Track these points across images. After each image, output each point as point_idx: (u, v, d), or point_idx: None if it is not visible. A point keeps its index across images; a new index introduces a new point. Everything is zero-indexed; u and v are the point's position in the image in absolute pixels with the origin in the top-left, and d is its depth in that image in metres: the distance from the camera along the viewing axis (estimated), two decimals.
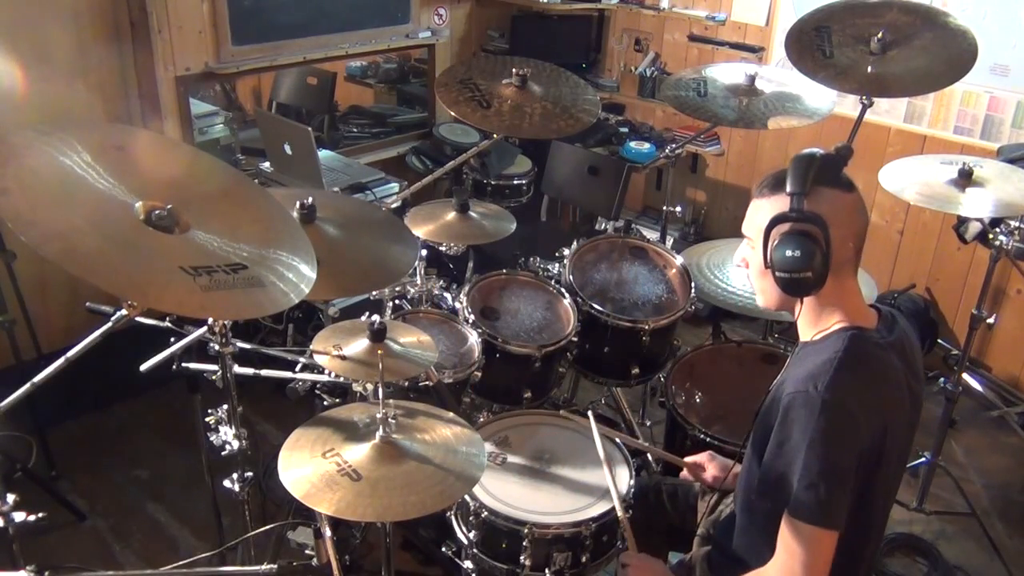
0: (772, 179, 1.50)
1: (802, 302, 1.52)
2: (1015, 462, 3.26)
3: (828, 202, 1.44)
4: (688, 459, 2.00)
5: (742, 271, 1.63)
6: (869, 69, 2.40)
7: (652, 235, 3.14)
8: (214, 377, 1.84)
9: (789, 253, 1.43)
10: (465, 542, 1.92)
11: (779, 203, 1.46)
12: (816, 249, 1.41)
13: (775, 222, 1.45)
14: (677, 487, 2.00)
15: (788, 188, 1.44)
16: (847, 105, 3.12)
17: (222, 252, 1.45)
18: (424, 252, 2.47)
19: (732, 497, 1.80)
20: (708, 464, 1.97)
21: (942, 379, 2.77)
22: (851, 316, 1.50)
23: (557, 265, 2.60)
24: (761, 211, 1.51)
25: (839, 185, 1.46)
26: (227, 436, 1.88)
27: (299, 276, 1.51)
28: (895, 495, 1.67)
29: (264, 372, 2.13)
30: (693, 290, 2.48)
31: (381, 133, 4.37)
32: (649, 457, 2.57)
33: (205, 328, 1.81)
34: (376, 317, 1.86)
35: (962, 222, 3.19)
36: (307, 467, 1.51)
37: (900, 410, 1.50)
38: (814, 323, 1.53)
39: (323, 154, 3.58)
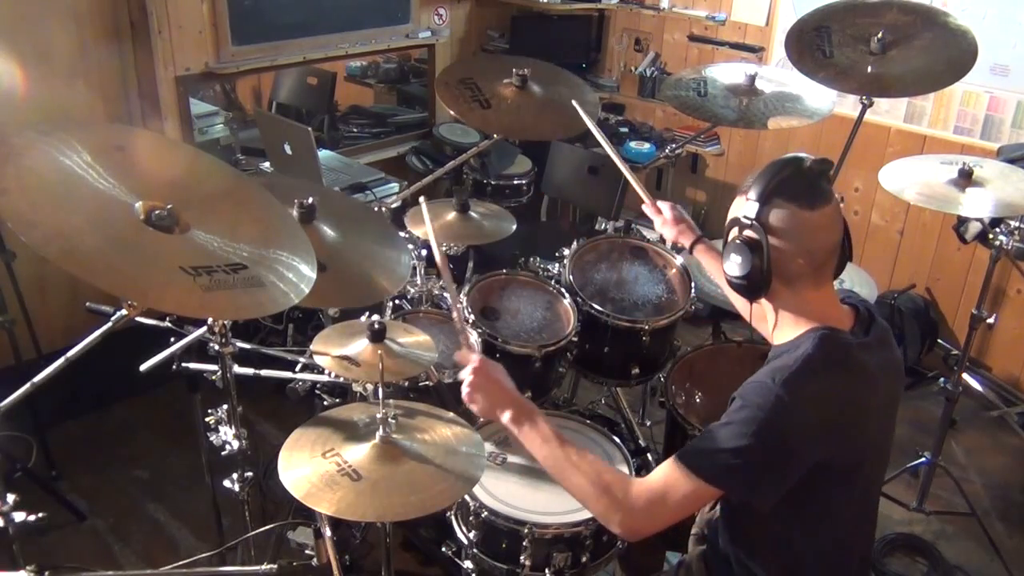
0: (750, 178, 1.50)
1: (757, 303, 1.53)
2: (1015, 462, 3.26)
3: (780, 217, 1.42)
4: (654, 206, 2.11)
5: None
6: (869, 69, 2.40)
7: (652, 235, 3.13)
8: (214, 377, 1.84)
9: (732, 256, 1.46)
10: (465, 542, 1.92)
11: (741, 206, 1.47)
12: (754, 259, 1.43)
13: (730, 225, 1.48)
14: None
15: (747, 193, 1.45)
16: (847, 105, 3.12)
17: (222, 252, 1.45)
18: (424, 252, 2.47)
19: None
20: (670, 212, 2.09)
21: (942, 379, 2.77)
22: (820, 321, 1.48)
23: (557, 265, 2.60)
24: (733, 208, 1.52)
25: (797, 201, 1.42)
26: (227, 436, 1.89)
27: (299, 276, 1.51)
28: (880, 484, 1.68)
29: (264, 372, 2.13)
30: (693, 290, 2.48)
31: (381, 133, 4.37)
32: (649, 457, 2.57)
33: (205, 328, 1.81)
34: (376, 317, 1.86)
35: (962, 222, 3.19)
36: (307, 467, 1.51)
37: (872, 408, 1.49)
38: (778, 326, 1.52)
39: (323, 154, 3.58)
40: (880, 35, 2.41)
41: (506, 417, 1.52)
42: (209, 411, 1.91)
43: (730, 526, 1.61)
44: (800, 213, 1.42)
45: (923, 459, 2.80)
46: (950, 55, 2.38)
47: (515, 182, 3.95)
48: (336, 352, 1.84)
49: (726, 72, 2.80)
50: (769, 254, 1.42)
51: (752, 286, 1.46)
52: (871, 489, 1.63)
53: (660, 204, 2.11)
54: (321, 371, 2.03)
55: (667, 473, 1.42)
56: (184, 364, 1.94)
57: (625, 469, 1.98)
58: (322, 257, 1.64)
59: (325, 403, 2.28)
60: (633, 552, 1.98)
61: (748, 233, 1.44)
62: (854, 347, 1.46)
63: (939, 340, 3.67)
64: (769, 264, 1.43)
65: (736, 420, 1.38)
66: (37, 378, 1.52)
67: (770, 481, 1.40)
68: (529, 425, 1.51)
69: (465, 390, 1.54)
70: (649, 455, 2.58)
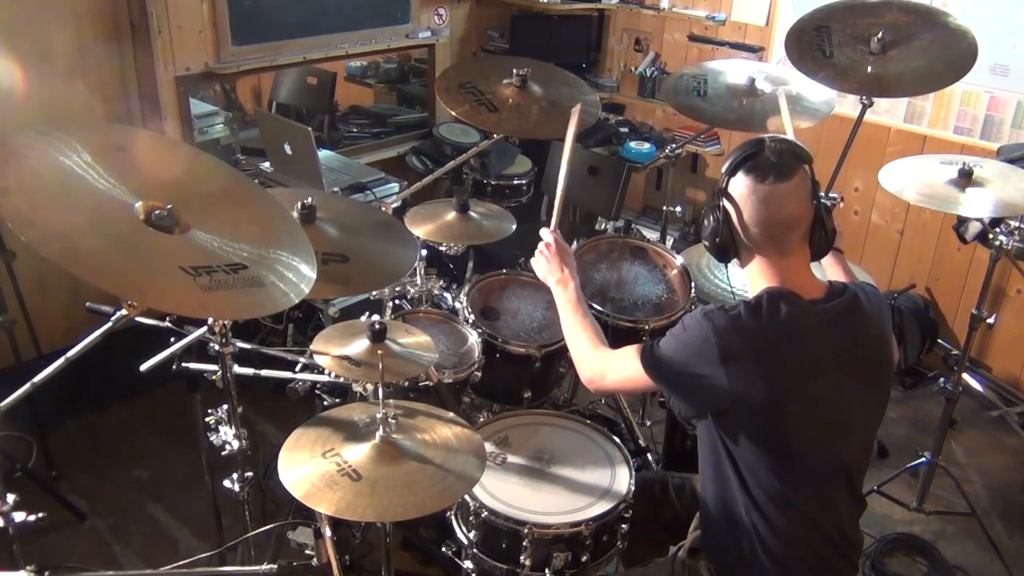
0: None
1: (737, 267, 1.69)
2: (1015, 462, 3.26)
3: (737, 188, 1.59)
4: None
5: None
6: (869, 69, 2.40)
7: (652, 235, 3.14)
8: (214, 377, 1.84)
9: (703, 221, 1.66)
10: (465, 542, 1.92)
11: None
12: (715, 224, 1.62)
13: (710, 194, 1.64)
14: (684, 481, 2.02)
15: (722, 167, 1.62)
16: (847, 105, 3.12)
17: (222, 252, 1.45)
18: (424, 252, 2.47)
19: None
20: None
21: (942, 379, 2.77)
22: (781, 284, 1.59)
23: None
24: None
25: (752, 173, 1.57)
26: (227, 436, 1.89)
27: (299, 276, 1.51)
28: (850, 451, 1.67)
29: (264, 372, 2.13)
30: (693, 290, 2.48)
31: (381, 133, 4.37)
32: (649, 457, 2.57)
33: (205, 328, 1.81)
34: (376, 317, 1.86)
35: (962, 222, 3.19)
36: (307, 467, 1.51)
37: (811, 367, 1.57)
38: (749, 288, 1.66)
39: (323, 154, 3.58)
40: (880, 35, 2.41)
41: (550, 283, 1.98)
42: (209, 411, 1.91)
43: (712, 466, 1.71)
44: (754, 186, 1.57)
45: (923, 459, 2.80)
46: (950, 55, 2.38)
47: (515, 182, 3.95)
48: (336, 352, 1.84)
49: (727, 68, 2.79)
50: (727, 218, 1.60)
51: (714, 247, 1.64)
52: (817, 452, 1.62)
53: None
54: (321, 371, 2.03)
55: (624, 354, 1.72)
56: (184, 364, 1.93)
57: (625, 469, 1.98)
58: (341, 251, 1.89)
59: (325, 403, 2.28)
60: (637, 549, 1.99)
61: (714, 201, 1.63)
62: (800, 306, 1.56)
63: (939, 340, 3.67)
64: (729, 227, 1.60)
65: (672, 334, 1.63)
66: (37, 378, 1.52)
67: (682, 392, 1.64)
68: (564, 299, 1.94)
69: (536, 254, 2.02)
70: (649, 455, 2.58)
